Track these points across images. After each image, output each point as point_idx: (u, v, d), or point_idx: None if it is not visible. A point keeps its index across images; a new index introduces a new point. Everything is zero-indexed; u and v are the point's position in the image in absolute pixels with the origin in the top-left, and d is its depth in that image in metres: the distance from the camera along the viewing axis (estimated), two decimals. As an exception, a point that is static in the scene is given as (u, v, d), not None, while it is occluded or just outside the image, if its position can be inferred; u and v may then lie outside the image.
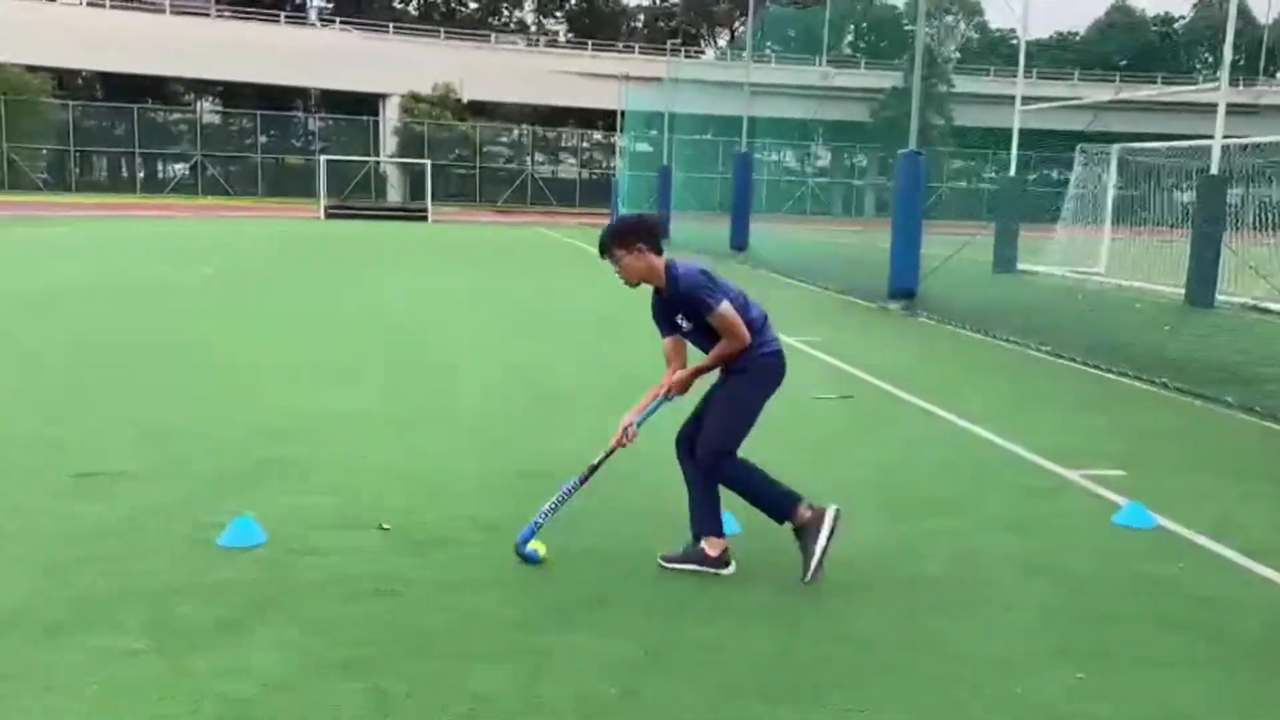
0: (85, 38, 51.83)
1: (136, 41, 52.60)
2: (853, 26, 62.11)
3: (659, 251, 4.38)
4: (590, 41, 68.26)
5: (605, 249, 4.39)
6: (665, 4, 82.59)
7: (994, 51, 60.29)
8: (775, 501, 4.37)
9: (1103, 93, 36.60)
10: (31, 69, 49.87)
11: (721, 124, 36.04)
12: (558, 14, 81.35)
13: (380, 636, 3.57)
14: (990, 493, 5.61)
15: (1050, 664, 3.55)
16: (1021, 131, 20.83)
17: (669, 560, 4.38)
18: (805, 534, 4.28)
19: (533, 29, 78.92)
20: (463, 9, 77.31)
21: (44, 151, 51.80)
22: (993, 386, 9.00)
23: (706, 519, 4.41)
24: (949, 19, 64.81)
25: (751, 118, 24.91)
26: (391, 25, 63.38)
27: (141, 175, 56.28)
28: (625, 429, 4.47)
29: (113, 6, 56.84)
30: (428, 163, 46.11)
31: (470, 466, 5.73)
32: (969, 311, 12.80)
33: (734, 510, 4.83)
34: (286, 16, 62.77)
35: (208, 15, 58.30)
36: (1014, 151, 21.16)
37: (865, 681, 3.38)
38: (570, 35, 77.45)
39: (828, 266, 18.66)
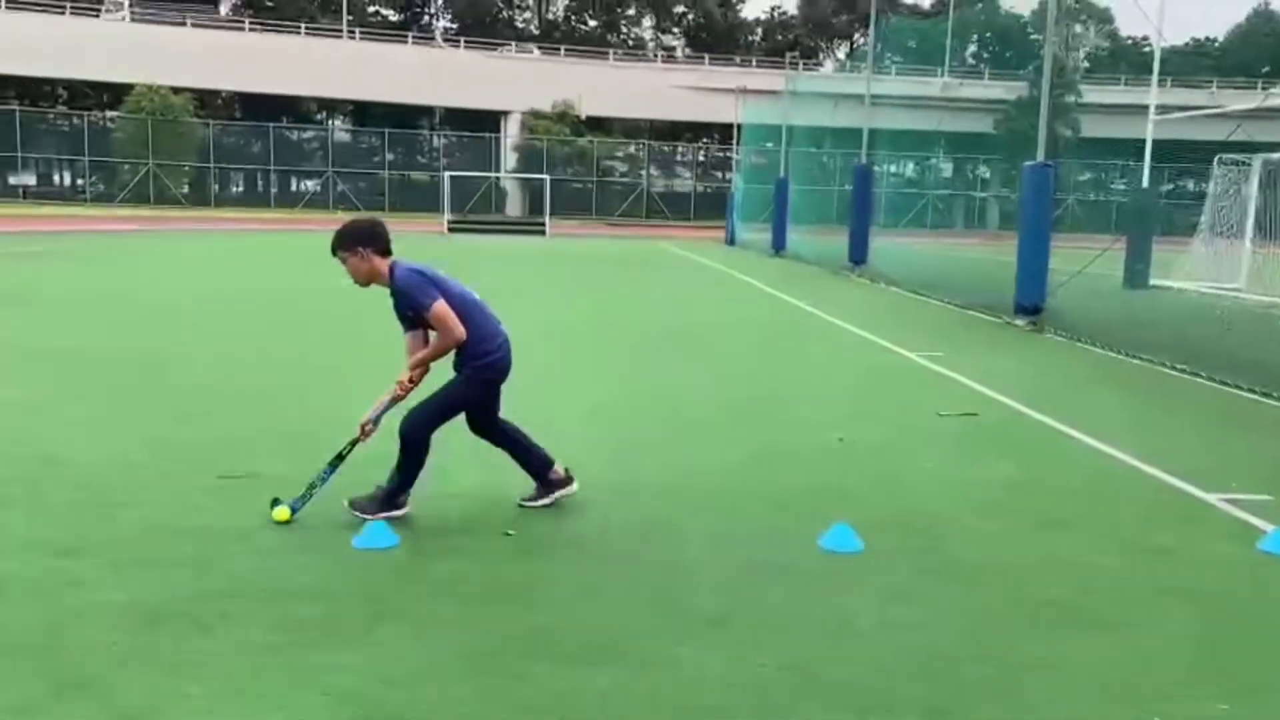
0: (225, 59, 54.37)
1: (273, 62, 54.95)
2: (975, 36, 60.76)
3: (386, 254, 4.76)
4: (707, 56, 68.48)
5: (334, 251, 4.77)
6: (783, 17, 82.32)
7: (1125, 60, 58.25)
8: (409, 483, 4.89)
9: (1245, 101, 34.99)
10: (176, 90, 52.51)
11: (840, 136, 35.67)
12: (675, 29, 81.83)
13: (504, 638, 3.65)
14: (1121, 513, 5.42)
15: (1189, 692, 3.42)
16: (1155, 142, 20.07)
17: (531, 500, 5.08)
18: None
19: (651, 45, 79.56)
20: (582, 27, 78.42)
21: (185, 168, 54.44)
22: (1125, 405, 8.69)
23: (535, 461, 5.11)
24: (1078, 27, 62.88)
25: (871, 130, 24.61)
26: (514, 44, 64.76)
27: (275, 190, 58.68)
28: (363, 427, 4.89)
29: (251, 29, 59.56)
30: (546, 178, 46.91)
31: (595, 475, 5.79)
32: (1099, 327, 12.39)
33: (853, 525, 4.80)
34: (414, 37, 64.71)
35: (339, 36, 60.51)
36: (1147, 162, 20.40)
37: (995, 703, 3.32)
38: (688, 50, 77.80)
39: (950, 281, 18.28)
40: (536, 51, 64.15)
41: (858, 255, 22.79)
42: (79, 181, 56.94)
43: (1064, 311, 13.29)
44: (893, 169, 47.78)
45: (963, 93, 51.04)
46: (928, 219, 51.45)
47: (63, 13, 55.49)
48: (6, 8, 54.65)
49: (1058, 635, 3.85)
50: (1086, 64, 60.84)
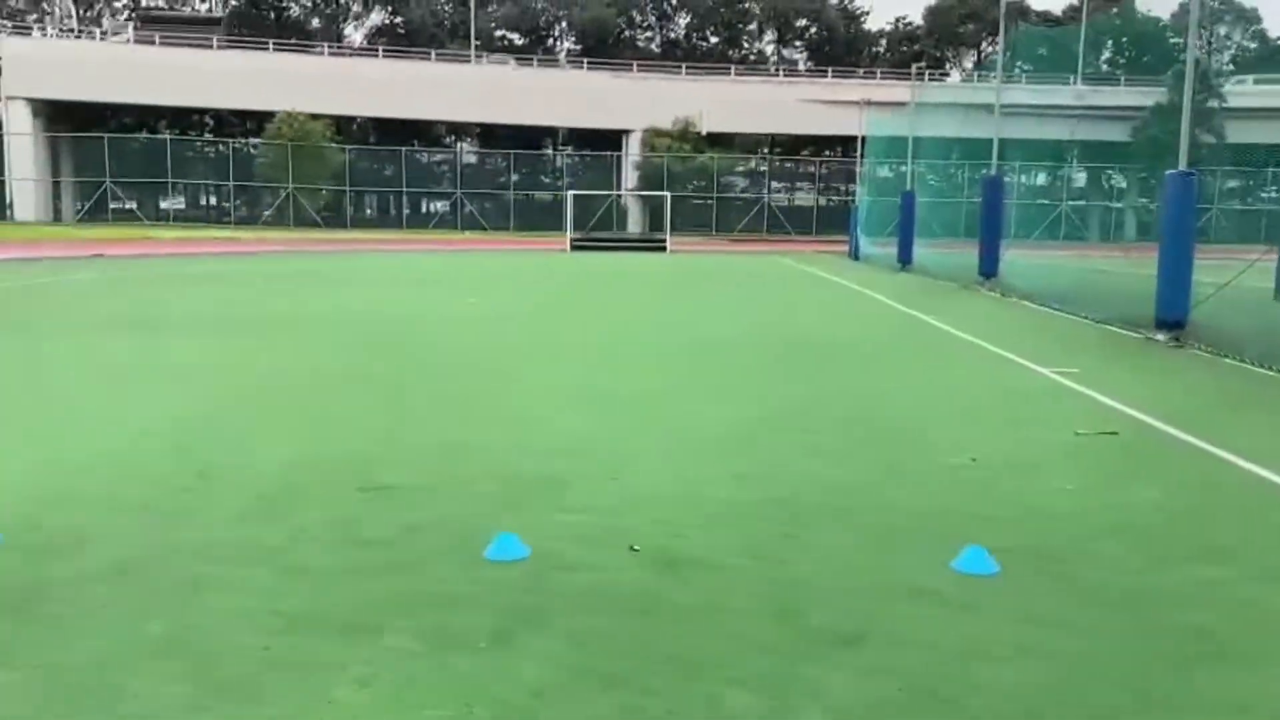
0: (361, 86, 56.47)
1: (405, 88, 56.80)
2: (1110, 42, 58.67)
3: None
4: (830, 69, 67.94)
5: None
6: (908, 28, 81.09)
7: (1275, 62, 55.39)
8: None
9: None
10: (314, 116, 54.75)
11: (968, 147, 34.90)
12: (798, 43, 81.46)
13: (639, 653, 3.69)
14: (1275, 540, 5.15)
15: (1355, 730, 3.24)
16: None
17: None
18: None
19: (772, 59, 79.36)
20: (704, 44, 78.78)
21: (322, 191, 56.67)
22: (1277, 424, 8.26)
23: None
24: (1221, 28, 60.09)
25: (1001, 140, 24.00)
26: (635, 63, 65.44)
27: (407, 212, 60.59)
28: None
29: (385, 56, 61.69)
30: (667, 194, 47.19)
31: (721, 492, 5.81)
32: (1247, 342, 11.79)
33: (987, 548, 4.68)
34: (539, 59, 66.04)
35: (467, 61, 62.18)
36: (1301, 168, 19.34)
37: (1139, 734, 3.20)
38: (810, 64, 77.33)
39: (1085, 294, 17.66)
40: (660, 71, 64.59)
41: (988, 268, 22.23)
42: (224, 205, 59.84)
43: (1209, 326, 12.71)
44: (1024, 179, 46.50)
45: (1097, 100, 49.39)
46: (1061, 230, 49.84)
47: (210, 46, 58.54)
48: (160, 43, 57.94)
49: (1203, 668, 3.68)
50: (1231, 67, 58.11)
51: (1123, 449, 7.12)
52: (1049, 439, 7.42)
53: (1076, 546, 4.97)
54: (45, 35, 55.17)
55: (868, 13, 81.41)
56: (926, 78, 60.76)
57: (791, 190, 67.80)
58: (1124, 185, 57.03)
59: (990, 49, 70.07)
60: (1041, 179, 53.40)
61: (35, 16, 69.87)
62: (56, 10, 72.93)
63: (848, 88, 59.57)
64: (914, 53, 76.37)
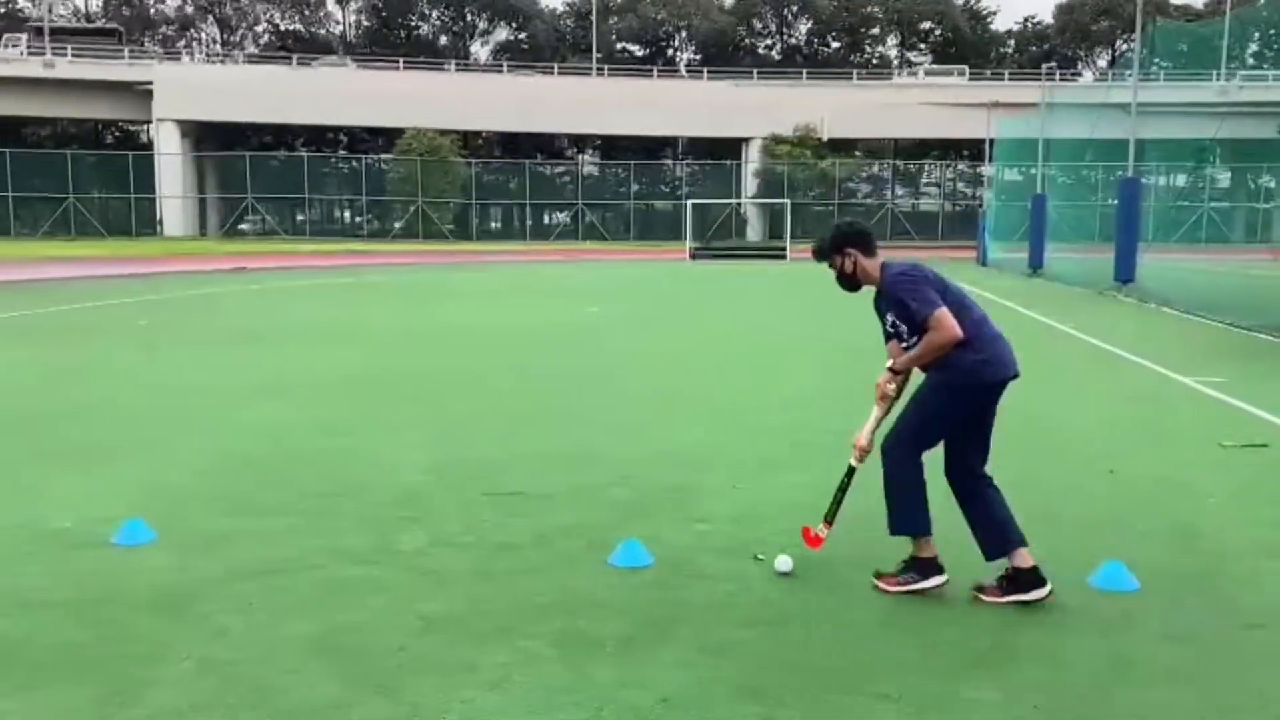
0: (487, 102, 57.81)
1: (529, 103, 57.91)
2: (1257, 35, 55.83)
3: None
4: (955, 71, 66.50)
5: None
6: (1037, 27, 78.78)
7: None
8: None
9: None
10: (442, 132, 56.28)
11: (1103, 148, 33.73)
12: (922, 46, 79.97)
13: (773, 664, 3.68)
14: None
15: None
16: None
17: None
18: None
19: (896, 63, 78.09)
20: (825, 49, 78.02)
21: (450, 205, 58.18)
22: None
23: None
24: (1383, 16, 56.48)
25: (1138, 140, 23.13)
26: (755, 71, 65.26)
27: (530, 223, 61.72)
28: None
29: (510, 70, 63.02)
30: (787, 202, 46.88)
31: (846, 502, 5.74)
32: None
33: (1126, 563, 4.52)
34: (659, 71, 66.48)
35: (589, 74, 63.00)
36: None
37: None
38: (935, 66, 75.77)
39: (1231, 299, 16.86)
40: (781, 79, 64.22)
41: (1124, 273, 21.44)
42: (357, 219, 62.02)
43: (1369, 332, 12.01)
44: (1163, 181, 44.64)
45: (1242, 96, 47.12)
46: (1202, 233, 47.72)
47: (345, 65, 60.76)
48: (297, 64, 60.43)
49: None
50: (1393, 56, 54.63)
51: (1273, 462, 6.77)
52: (1192, 451, 7.12)
53: (1225, 565, 4.76)
54: (193, 60, 58.24)
55: (995, 13, 79.41)
56: (1058, 78, 58.92)
57: (916, 196, 66.58)
58: (1272, 185, 54.25)
59: (1126, 46, 67.54)
60: (1182, 180, 51.23)
61: (183, 43, 73.76)
62: (203, 36, 76.81)
63: (974, 90, 58.20)
64: (1044, 52, 74.18)
